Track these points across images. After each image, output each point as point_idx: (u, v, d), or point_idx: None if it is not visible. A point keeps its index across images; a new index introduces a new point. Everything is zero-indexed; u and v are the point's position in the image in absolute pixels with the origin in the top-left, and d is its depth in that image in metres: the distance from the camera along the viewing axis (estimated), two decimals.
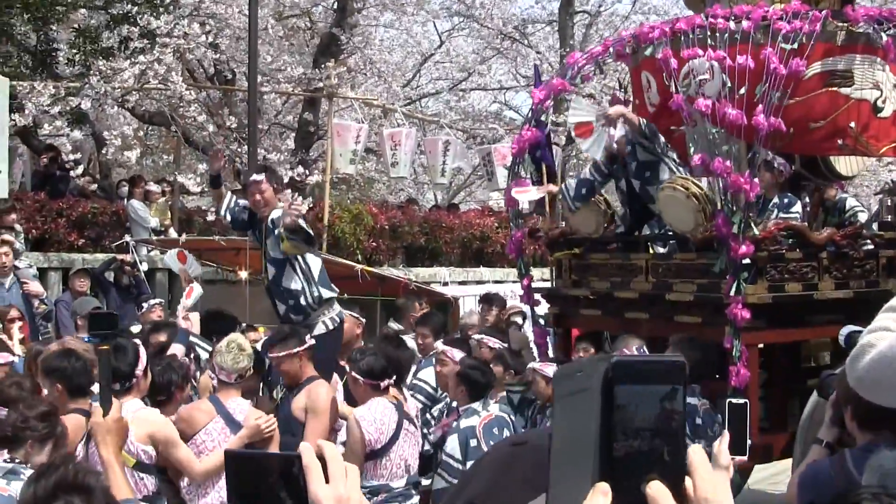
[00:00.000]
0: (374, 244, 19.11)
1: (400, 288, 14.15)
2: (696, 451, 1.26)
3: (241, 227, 9.70)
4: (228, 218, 9.49)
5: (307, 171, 19.71)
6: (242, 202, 9.40)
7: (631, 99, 9.82)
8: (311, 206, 18.64)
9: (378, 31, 28.05)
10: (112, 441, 4.17)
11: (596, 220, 9.48)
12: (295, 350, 7.45)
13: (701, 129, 8.14)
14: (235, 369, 6.88)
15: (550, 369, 7.76)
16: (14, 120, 16.06)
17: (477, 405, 7.37)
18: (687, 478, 1.23)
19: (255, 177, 9.17)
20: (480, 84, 31.22)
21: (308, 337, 7.87)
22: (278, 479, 1.66)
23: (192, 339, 9.08)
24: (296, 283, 9.02)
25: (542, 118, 10.05)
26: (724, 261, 7.90)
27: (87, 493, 3.24)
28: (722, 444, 3.26)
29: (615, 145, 8.98)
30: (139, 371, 6.08)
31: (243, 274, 13.85)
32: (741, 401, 4.39)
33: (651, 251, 9.31)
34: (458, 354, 8.19)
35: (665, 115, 8.74)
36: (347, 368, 7.24)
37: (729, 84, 7.87)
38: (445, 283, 17.93)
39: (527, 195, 9.96)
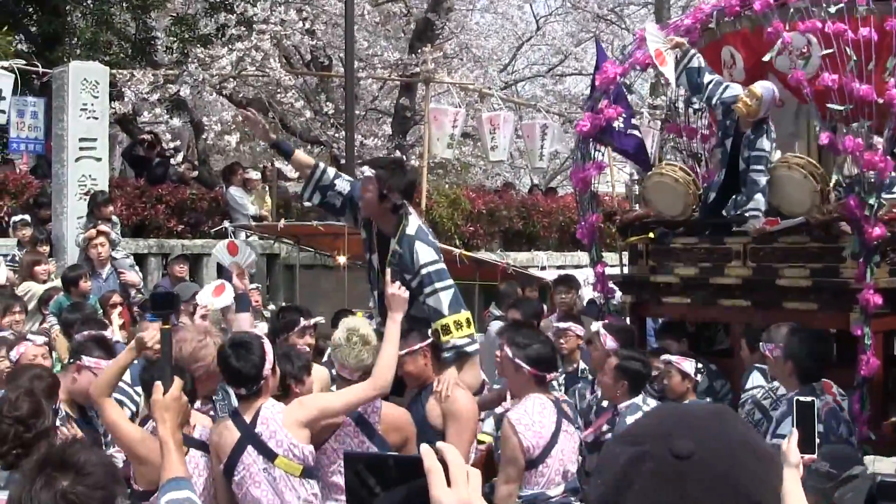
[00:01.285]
0: (471, 229, 19.03)
1: (498, 272, 14.05)
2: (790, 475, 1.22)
3: (333, 212, 7.94)
4: (316, 200, 7.69)
5: (404, 157, 19.66)
6: (341, 184, 7.58)
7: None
8: None
9: (473, 15, 27.96)
10: (170, 419, 4.10)
11: (684, 202, 8.80)
12: (417, 346, 6.63)
13: (811, 106, 7.86)
14: (359, 365, 6.15)
15: (688, 364, 7.45)
16: (114, 108, 16.26)
17: (639, 400, 6.78)
18: None
19: (366, 171, 7.49)
20: (577, 68, 30.94)
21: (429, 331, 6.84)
22: (399, 482, 1.64)
23: None
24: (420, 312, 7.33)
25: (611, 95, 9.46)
26: (857, 244, 7.49)
27: (76, 470, 3.08)
28: (791, 441, 3.19)
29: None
30: (267, 370, 5.50)
31: (341, 259, 13.85)
32: (809, 399, 4.25)
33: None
34: (611, 342, 7.52)
35: None
36: (509, 353, 6.31)
37: (854, 58, 7.52)
38: (543, 268, 17.78)
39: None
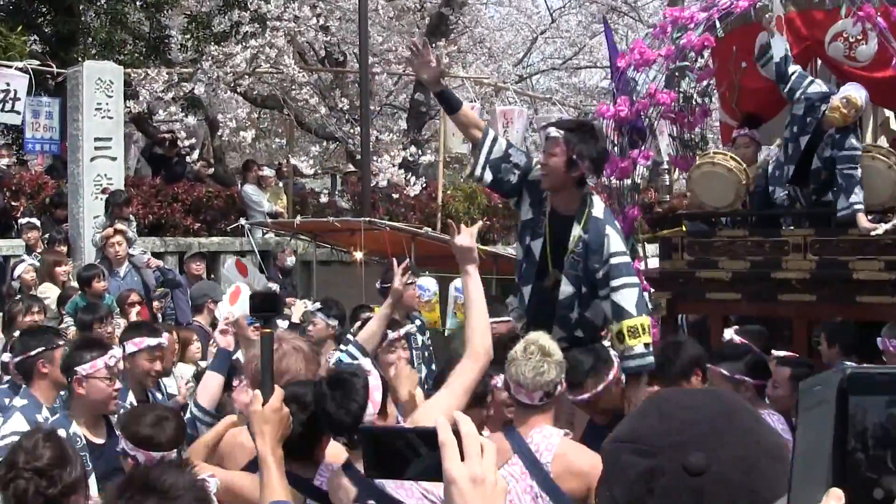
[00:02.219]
0: (487, 223, 18.99)
1: (515, 266, 13.97)
2: None
3: (504, 191, 6.63)
4: (488, 178, 6.44)
5: (420, 152, 19.64)
6: (516, 154, 6.47)
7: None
8: (425, 185, 18.60)
9: (487, 9, 27.92)
10: (269, 433, 3.59)
11: (735, 191, 8.45)
12: (610, 377, 5.63)
13: None
14: (540, 383, 4.96)
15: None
16: (129, 107, 16.27)
17: None
18: None
19: (551, 132, 6.25)
20: (591, 60, 30.85)
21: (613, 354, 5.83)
22: (414, 455, 1.64)
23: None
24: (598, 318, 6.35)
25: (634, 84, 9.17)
26: None
27: (161, 493, 2.82)
28: None
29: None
30: (369, 416, 4.28)
31: (358, 255, 13.82)
32: None
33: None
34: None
35: None
36: (724, 371, 5.84)
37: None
38: None
39: None
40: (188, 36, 18.68)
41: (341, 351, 6.56)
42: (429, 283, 12.26)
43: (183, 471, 3.13)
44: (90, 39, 18.55)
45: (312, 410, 4.27)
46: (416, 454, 1.64)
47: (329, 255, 16.41)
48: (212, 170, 19.38)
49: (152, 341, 6.68)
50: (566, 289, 6.19)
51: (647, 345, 5.95)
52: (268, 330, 3.76)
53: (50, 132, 15.13)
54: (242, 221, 15.46)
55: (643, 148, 9.13)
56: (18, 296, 10.43)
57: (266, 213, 16.51)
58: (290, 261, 15.48)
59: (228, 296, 7.25)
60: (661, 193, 9.83)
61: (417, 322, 8.99)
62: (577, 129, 6.22)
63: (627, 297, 5.98)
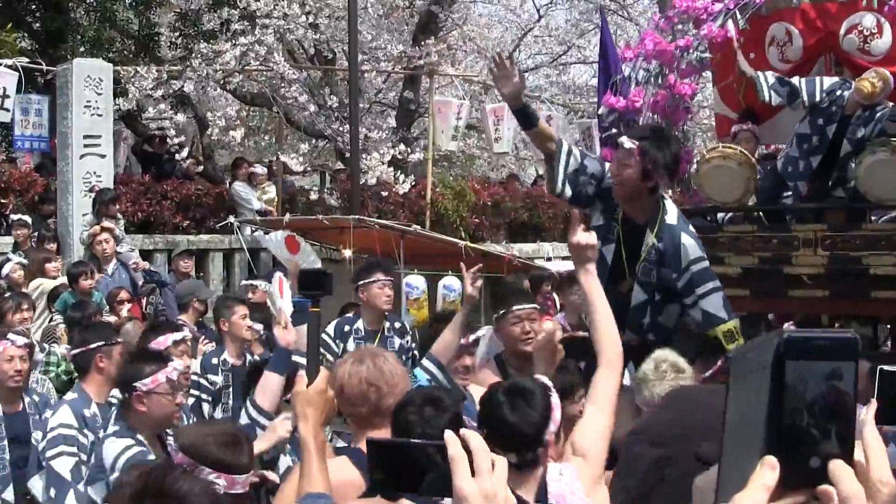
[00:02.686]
0: (476, 220, 19.02)
1: (504, 264, 14.02)
2: (870, 431, 1.22)
3: (582, 203, 6.23)
4: (567, 193, 6.23)
5: (409, 149, 19.62)
6: (591, 164, 6.28)
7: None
8: (414, 183, 18.61)
9: (476, 7, 27.94)
10: (312, 415, 3.36)
11: (744, 186, 8.29)
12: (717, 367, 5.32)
13: None
14: None
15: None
16: (118, 104, 16.26)
17: None
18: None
19: (625, 142, 6.06)
20: (580, 58, 30.82)
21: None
22: (422, 469, 1.61)
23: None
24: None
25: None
26: None
27: (178, 499, 2.68)
28: (868, 413, 3.00)
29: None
30: (549, 433, 3.58)
31: (347, 252, 13.82)
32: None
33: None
34: None
35: (806, 71, 8.26)
36: None
37: None
38: (549, 259, 17.72)
39: None
40: (177, 33, 18.74)
41: (419, 367, 6.09)
42: (417, 281, 12.28)
43: (197, 476, 3.04)
44: (79, 37, 18.56)
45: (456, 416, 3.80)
46: (426, 468, 1.60)
47: (319, 252, 16.41)
48: (201, 167, 19.36)
49: (177, 336, 6.73)
50: (638, 296, 6.08)
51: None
52: (316, 309, 3.64)
53: (39, 130, 15.10)
54: (232, 219, 15.44)
55: None
56: (8, 293, 10.42)
57: (255, 210, 16.51)
58: None
59: (276, 289, 6.71)
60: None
61: (397, 324, 8.61)
62: (651, 136, 6.09)
63: (714, 303, 5.90)
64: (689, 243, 5.94)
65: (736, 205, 8.49)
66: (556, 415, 3.62)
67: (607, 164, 6.35)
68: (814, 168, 8.28)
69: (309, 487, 3.18)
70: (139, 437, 5.27)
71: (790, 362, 1.21)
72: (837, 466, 1.19)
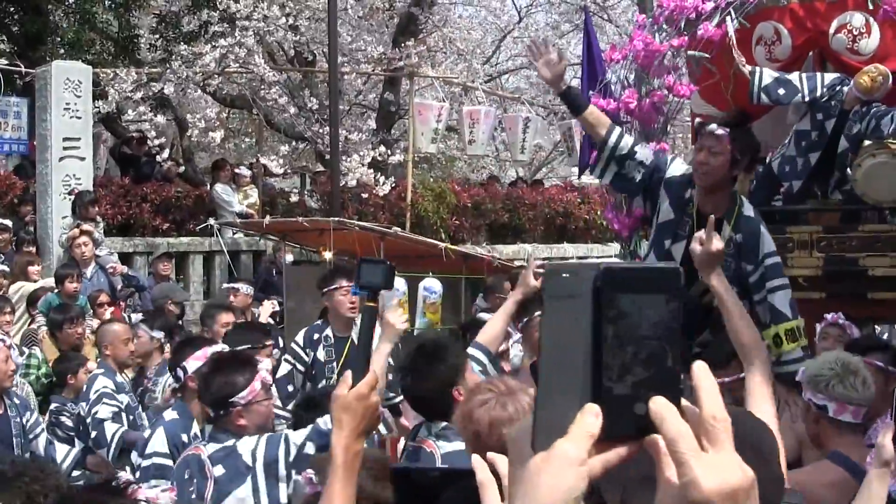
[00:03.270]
0: (457, 222, 19.07)
1: (484, 266, 14.05)
2: (699, 367, 1.13)
3: (626, 189, 6.47)
4: (608, 177, 6.25)
5: (389, 151, 19.64)
6: (642, 152, 6.19)
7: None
8: (394, 185, 18.63)
9: (456, 8, 27.94)
10: (348, 424, 2.89)
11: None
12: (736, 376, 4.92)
13: None
14: (868, 396, 4.67)
15: None
16: (98, 107, 16.23)
17: None
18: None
19: (715, 129, 5.85)
20: None
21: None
22: (448, 496, 1.61)
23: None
24: None
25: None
26: None
27: None
28: (885, 437, 2.87)
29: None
30: None
31: (328, 254, 13.83)
32: None
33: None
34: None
35: (794, 70, 8.23)
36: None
37: None
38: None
39: None
40: (157, 35, 18.68)
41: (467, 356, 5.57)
42: (398, 283, 12.28)
43: (122, 494, 2.96)
44: (59, 39, 18.52)
45: None
46: (453, 495, 1.58)
47: (299, 255, 16.42)
48: (181, 169, 19.35)
49: (215, 347, 6.19)
50: None
51: (804, 348, 5.68)
52: (372, 304, 3.44)
53: (18, 132, 15.07)
54: (212, 221, 15.44)
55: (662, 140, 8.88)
56: None
57: (236, 212, 16.51)
58: (289, 258, 15.46)
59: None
60: None
61: None
62: (738, 124, 6.03)
63: (782, 300, 5.76)
64: (767, 235, 5.87)
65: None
66: None
67: (671, 156, 6.31)
68: (812, 166, 8.23)
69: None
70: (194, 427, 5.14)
71: (610, 293, 1.12)
72: (660, 405, 1.11)
